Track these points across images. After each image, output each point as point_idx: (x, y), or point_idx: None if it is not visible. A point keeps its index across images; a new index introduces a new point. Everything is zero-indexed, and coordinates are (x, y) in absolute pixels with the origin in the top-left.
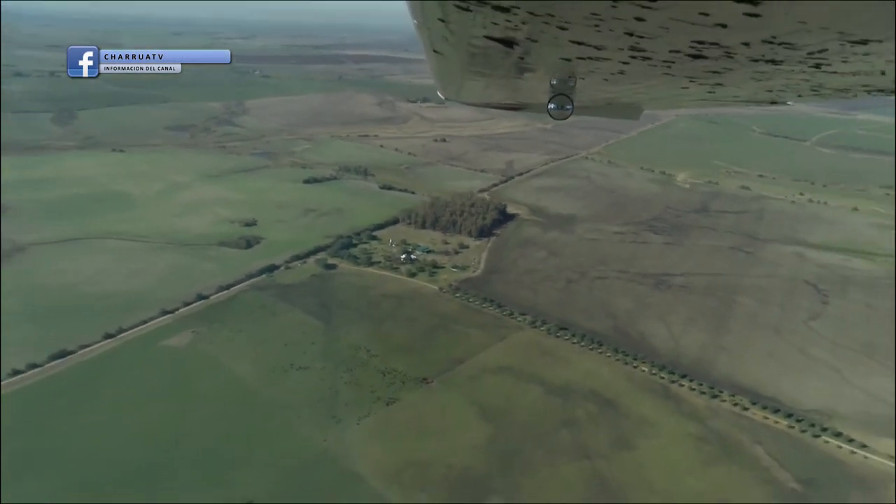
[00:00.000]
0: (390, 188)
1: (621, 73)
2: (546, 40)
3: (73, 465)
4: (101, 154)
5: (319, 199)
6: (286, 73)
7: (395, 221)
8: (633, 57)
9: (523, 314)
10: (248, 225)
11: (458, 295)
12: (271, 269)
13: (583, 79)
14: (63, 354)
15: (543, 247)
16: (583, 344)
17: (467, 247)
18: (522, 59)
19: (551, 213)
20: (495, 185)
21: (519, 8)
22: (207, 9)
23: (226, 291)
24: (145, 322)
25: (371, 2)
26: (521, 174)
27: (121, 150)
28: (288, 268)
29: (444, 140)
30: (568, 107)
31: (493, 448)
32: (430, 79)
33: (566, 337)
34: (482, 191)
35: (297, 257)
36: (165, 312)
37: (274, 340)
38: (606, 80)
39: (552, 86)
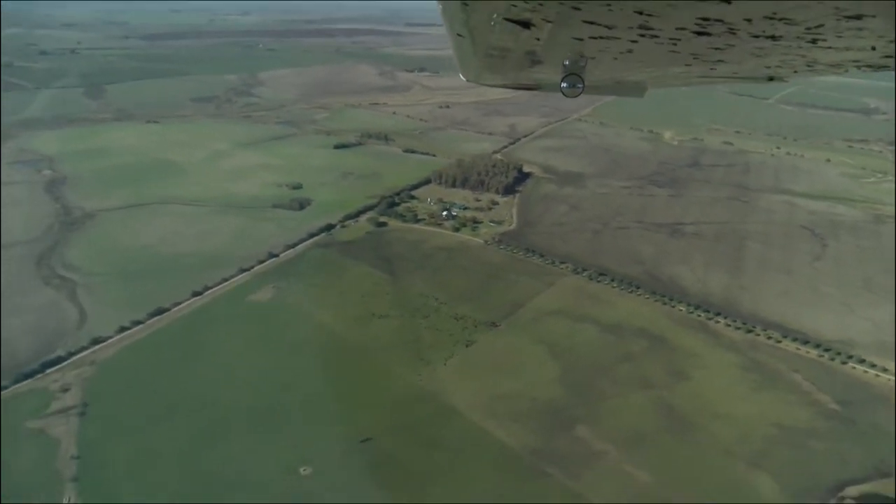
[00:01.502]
0: (413, 152)
1: (629, 51)
2: (560, 21)
3: (196, 410)
4: (137, 125)
5: (352, 163)
6: (287, 47)
7: (427, 182)
8: (642, 35)
9: (563, 262)
10: (295, 188)
11: (501, 247)
12: (329, 228)
13: (593, 58)
14: (160, 311)
15: (563, 201)
16: (622, 287)
17: (497, 203)
18: (538, 40)
19: (561, 171)
20: (505, 146)
21: None
22: None
23: (292, 249)
24: (226, 280)
25: None
26: (525, 136)
27: (155, 122)
28: (343, 226)
29: (447, 106)
30: (579, 85)
31: (566, 381)
32: (422, 49)
33: (605, 282)
34: (495, 152)
35: (349, 217)
36: (243, 270)
37: (349, 292)
38: (615, 59)
39: (564, 66)
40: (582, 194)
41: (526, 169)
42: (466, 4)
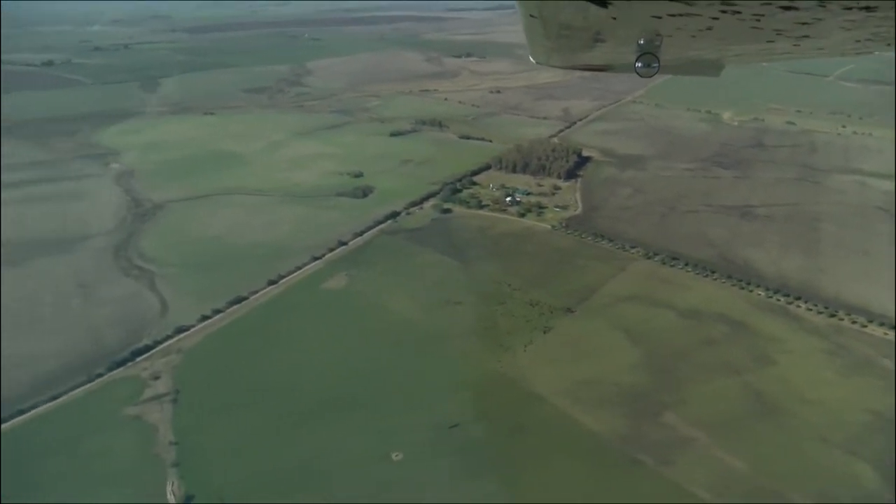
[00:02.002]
0: (468, 138)
1: (709, 28)
2: None
3: (284, 397)
4: (195, 117)
5: (409, 150)
6: (330, 36)
7: (487, 167)
8: (724, 11)
9: (633, 247)
10: (356, 176)
11: (569, 232)
12: (394, 215)
13: (670, 36)
14: (238, 300)
15: (626, 185)
16: (696, 272)
17: (560, 188)
18: (614, 18)
19: (620, 154)
20: (561, 130)
21: None
22: None
23: (360, 237)
24: (299, 268)
25: None
26: (580, 120)
27: (211, 113)
28: (408, 213)
29: (498, 91)
30: (654, 65)
31: (649, 367)
32: (466, 34)
33: (678, 266)
34: (551, 136)
35: (413, 203)
36: (314, 258)
37: (421, 279)
38: (693, 36)
39: (639, 45)
40: (644, 177)
41: (585, 153)
42: None
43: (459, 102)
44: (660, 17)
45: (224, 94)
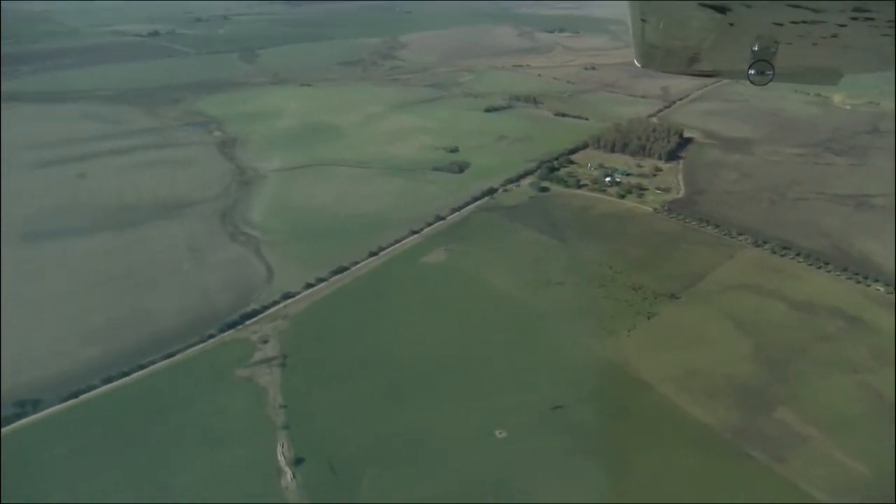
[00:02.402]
0: (564, 115)
1: (834, 36)
2: (762, 5)
3: (387, 367)
4: (293, 88)
5: (505, 126)
6: (423, 9)
7: (584, 146)
8: (854, 19)
9: (741, 233)
10: (451, 151)
11: (672, 215)
12: (491, 191)
13: (789, 44)
14: (341, 270)
15: (732, 168)
16: (808, 262)
17: (661, 170)
18: (731, 24)
19: (724, 136)
20: (660, 110)
21: None
22: None
23: (458, 213)
24: (398, 241)
25: None
26: (680, 99)
27: (308, 85)
28: (505, 190)
29: (593, 68)
30: (769, 72)
31: (760, 359)
32: (559, 10)
33: (790, 256)
34: (650, 116)
35: (510, 181)
36: (413, 232)
37: (521, 257)
38: (815, 44)
39: (753, 52)
40: (751, 161)
41: (687, 134)
42: None
43: (554, 79)
44: (781, 25)
45: (320, 66)
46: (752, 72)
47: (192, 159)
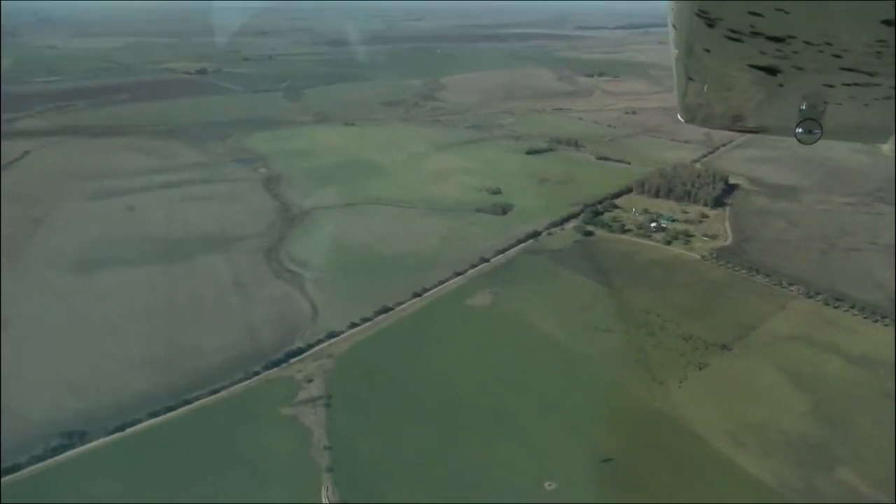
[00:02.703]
0: (606, 159)
1: (887, 98)
2: (815, 68)
3: (434, 410)
4: (336, 127)
5: (546, 168)
6: (463, 52)
7: (628, 191)
8: None
9: (791, 283)
10: (494, 193)
11: (720, 263)
12: (535, 234)
13: (839, 104)
14: (385, 310)
15: (780, 216)
16: (864, 315)
17: (707, 216)
18: (781, 86)
19: (770, 183)
20: (704, 155)
21: (795, 37)
22: None
23: (502, 255)
24: (442, 282)
25: None
26: (724, 145)
27: (351, 124)
28: (549, 233)
29: (634, 112)
30: (816, 131)
31: (819, 416)
32: (597, 53)
33: (844, 308)
34: (693, 161)
35: (553, 224)
36: (457, 273)
37: (567, 302)
38: (867, 105)
39: (801, 110)
40: (799, 210)
41: (732, 180)
42: (708, 51)
43: (595, 122)
44: (832, 87)
45: (363, 106)
46: (799, 130)
47: (237, 195)
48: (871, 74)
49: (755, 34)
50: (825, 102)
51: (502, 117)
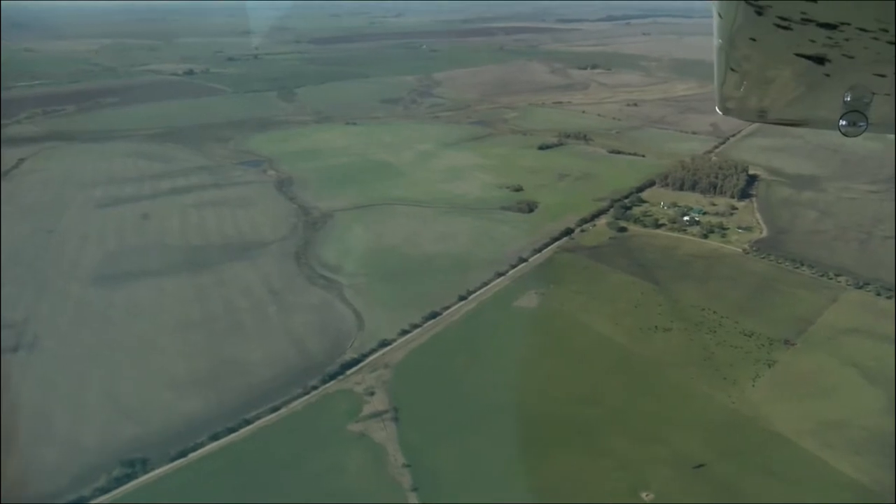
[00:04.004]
0: (618, 152)
1: None
2: (866, 57)
3: (507, 419)
4: (338, 127)
5: (562, 163)
6: (450, 47)
7: (650, 184)
8: None
9: (838, 274)
10: (516, 190)
11: (762, 256)
12: (568, 232)
13: (887, 94)
14: (433, 315)
15: (808, 206)
16: None
17: (736, 208)
18: (827, 76)
19: (789, 173)
20: (716, 146)
21: (849, 24)
22: None
23: (539, 254)
24: (485, 284)
25: None
26: (733, 136)
27: (353, 123)
28: (582, 230)
29: (635, 104)
30: (861, 124)
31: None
32: (585, 46)
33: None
34: (707, 152)
35: (584, 220)
36: (499, 274)
37: (618, 301)
38: None
39: (845, 102)
40: (826, 199)
41: (751, 171)
42: (754, 40)
43: (598, 115)
44: (883, 76)
45: (360, 104)
46: (843, 122)
47: (252, 199)
48: None
49: (806, 21)
50: (872, 93)
51: (504, 112)
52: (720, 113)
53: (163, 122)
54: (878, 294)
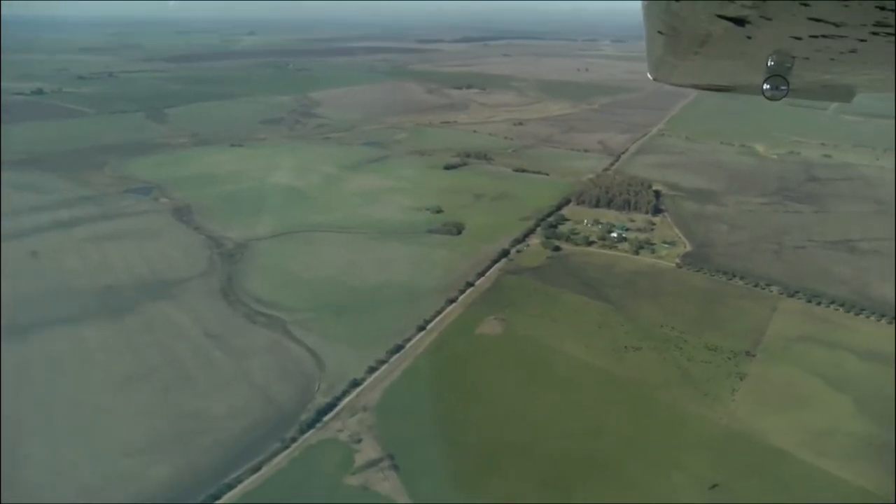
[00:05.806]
0: (523, 171)
1: (853, 51)
2: (782, 18)
3: (516, 458)
4: (223, 149)
5: (473, 184)
6: (316, 67)
7: (567, 202)
8: (875, 34)
9: (768, 284)
10: (437, 212)
11: (695, 269)
12: (505, 253)
13: (806, 59)
14: (397, 349)
15: (717, 220)
16: (846, 310)
17: (654, 224)
18: (749, 38)
19: (686, 187)
20: (612, 164)
21: None
22: (193, 7)
23: (483, 277)
24: (439, 312)
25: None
26: (623, 153)
27: (239, 145)
28: (518, 251)
29: (521, 123)
30: (783, 87)
31: (869, 414)
32: (452, 66)
33: (825, 304)
34: (605, 170)
35: (516, 241)
36: (450, 301)
37: (580, 323)
38: (832, 59)
39: (768, 66)
40: (728, 212)
41: (653, 187)
42: (677, 0)
43: (490, 135)
44: (800, 39)
45: (239, 124)
46: (766, 87)
47: (152, 230)
48: (837, 25)
49: None
50: (792, 57)
51: (394, 133)
52: (652, 79)
53: (21, 146)
54: (810, 301)
